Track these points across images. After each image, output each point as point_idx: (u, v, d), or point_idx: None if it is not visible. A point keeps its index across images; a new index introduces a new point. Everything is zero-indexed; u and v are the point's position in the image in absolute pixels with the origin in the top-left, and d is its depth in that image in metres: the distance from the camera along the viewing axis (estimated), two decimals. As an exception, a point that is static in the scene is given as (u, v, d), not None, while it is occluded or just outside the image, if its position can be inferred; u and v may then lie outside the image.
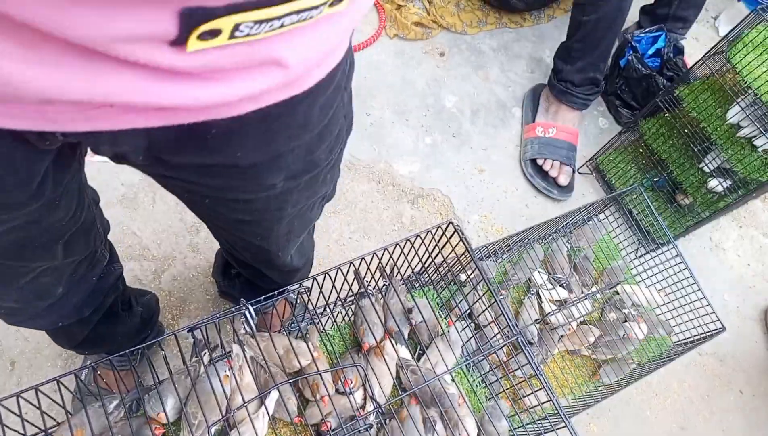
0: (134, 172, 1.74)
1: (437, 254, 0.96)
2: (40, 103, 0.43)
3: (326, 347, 0.97)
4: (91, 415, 0.81)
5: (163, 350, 0.81)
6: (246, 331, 0.84)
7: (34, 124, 0.46)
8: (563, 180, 1.91)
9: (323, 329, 0.90)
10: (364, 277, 0.96)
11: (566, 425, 0.85)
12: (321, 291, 0.89)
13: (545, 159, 1.93)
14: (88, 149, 0.59)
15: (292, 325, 1.03)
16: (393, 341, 0.95)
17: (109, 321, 1.06)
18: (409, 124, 1.96)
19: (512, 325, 0.89)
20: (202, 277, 1.60)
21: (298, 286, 0.85)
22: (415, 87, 2.02)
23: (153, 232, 1.63)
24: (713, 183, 1.73)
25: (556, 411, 0.88)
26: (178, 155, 0.57)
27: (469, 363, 0.99)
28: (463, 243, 0.94)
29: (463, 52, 2.13)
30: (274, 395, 0.88)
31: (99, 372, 1.22)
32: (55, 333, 1.04)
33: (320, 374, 0.82)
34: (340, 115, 0.66)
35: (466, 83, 2.07)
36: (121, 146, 0.55)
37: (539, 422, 0.91)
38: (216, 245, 1.54)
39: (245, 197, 0.66)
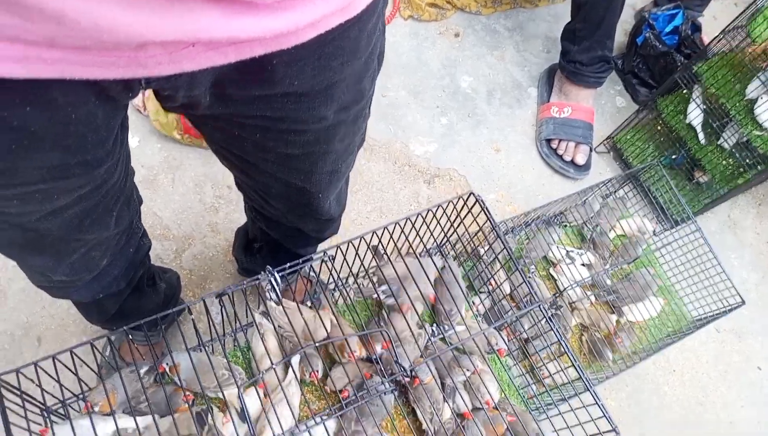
0: (154, 154, 1.76)
1: (459, 224, 0.97)
2: (132, 49, 0.46)
3: (352, 317, 0.98)
4: (124, 379, 0.83)
5: (179, 324, 0.82)
6: (271, 298, 0.86)
7: (125, 72, 0.48)
8: (580, 159, 1.91)
9: (348, 297, 0.92)
10: (386, 248, 0.97)
11: (589, 390, 0.86)
12: (345, 259, 0.91)
13: (560, 141, 1.92)
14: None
15: (315, 296, 1.04)
16: (415, 307, 0.96)
17: (136, 296, 1.08)
18: (424, 104, 1.96)
19: (533, 292, 0.89)
20: (221, 256, 1.62)
21: (322, 254, 0.87)
22: (430, 68, 2.02)
23: (173, 212, 1.65)
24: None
25: (578, 377, 0.89)
26: (241, 89, 0.61)
27: (491, 331, 1.00)
28: (485, 214, 0.94)
29: (477, 32, 2.12)
30: (297, 360, 0.90)
31: (120, 347, 1.25)
32: (89, 307, 1.06)
33: (346, 339, 0.84)
34: (379, 43, 0.70)
35: (482, 63, 2.07)
36: (197, 87, 0.58)
37: (562, 387, 0.92)
38: (235, 224, 1.56)
39: (298, 128, 0.69)
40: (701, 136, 1.77)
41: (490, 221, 0.94)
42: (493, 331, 0.99)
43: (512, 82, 2.06)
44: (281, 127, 0.69)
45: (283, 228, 1.05)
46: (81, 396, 0.83)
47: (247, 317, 0.95)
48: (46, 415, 0.79)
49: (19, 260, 0.78)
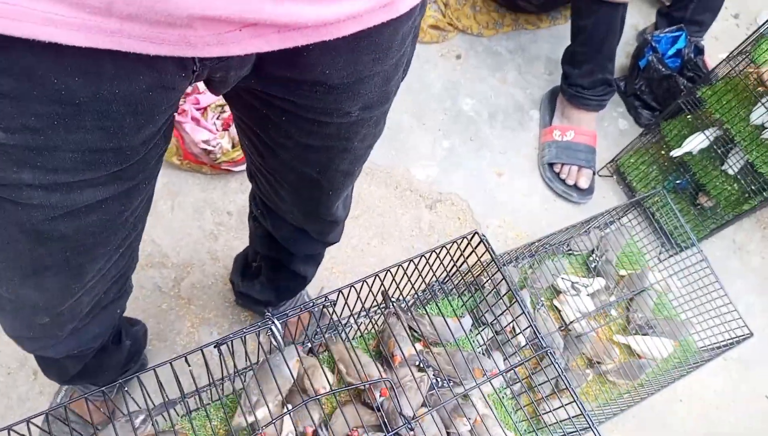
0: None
1: (462, 263, 0.95)
2: (182, 27, 0.48)
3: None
4: (118, 429, 0.80)
5: (144, 387, 0.79)
6: (273, 345, 0.84)
7: (175, 50, 0.50)
8: (583, 183, 1.89)
9: (347, 338, 0.90)
10: (389, 288, 0.95)
11: (591, 428, 0.83)
12: (346, 303, 0.88)
13: (563, 165, 1.91)
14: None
15: (316, 336, 1.02)
16: (420, 358, 0.94)
17: (99, 354, 1.04)
18: (426, 127, 1.94)
19: (540, 337, 0.87)
20: (221, 284, 1.60)
21: (323, 299, 0.84)
22: (432, 90, 2.01)
23: (172, 239, 1.63)
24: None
25: (580, 413, 0.87)
26: (275, 68, 0.63)
27: (491, 377, 0.97)
28: (489, 253, 0.92)
29: (479, 54, 2.11)
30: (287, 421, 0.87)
31: (74, 406, 1.21)
32: (49, 365, 1.04)
33: (348, 389, 0.82)
34: (409, 50, 0.72)
35: (484, 86, 2.06)
36: (243, 68, 0.61)
37: (563, 422, 0.90)
38: (235, 252, 1.54)
39: (321, 119, 0.71)
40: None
41: (494, 262, 0.92)
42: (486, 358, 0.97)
43: (514, 104, 2.05)
44: (306, 115, 0.70)
45: (287, 228, 1.04)
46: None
47: (233, 366, 0.93)
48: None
49: (18, 287, 0.72)
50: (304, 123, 0.72)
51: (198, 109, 1.66)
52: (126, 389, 0.78)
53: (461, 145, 1.94)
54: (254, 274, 1.35)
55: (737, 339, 1.41)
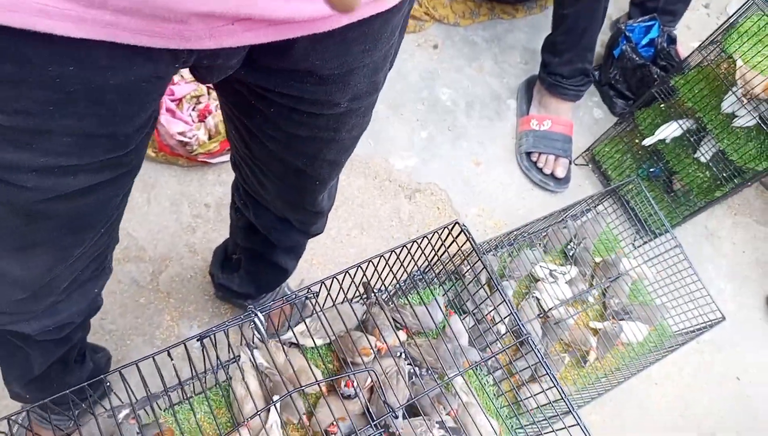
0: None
1: (443, 252, 0.95)
2: (177, 22, 0.49)
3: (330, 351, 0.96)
4: (101, 423, 0.80)
5: (126, 381, 0.79)
6: (256, 336, 0.83)
7: (169, 43, 0.51)
8: (560, 172, 1.91)
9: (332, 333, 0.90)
10: (371, 279, 0.95)
11: (571, 412, 0.85)
12: (329, 294, 0.89)
13: (540, 154, 1.93)
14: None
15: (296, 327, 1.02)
16: (404, 348, 0.94)
17: (62, 367, 1.04)
18: (404, 118, 1.94)
19: (521, 325, 0.88)
20: (200, 277, 1.58)
21: (306, 290, 0.84)
22: (409, 80, 2.01)
23: (149, 232, 1.61)
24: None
25: (559, 398, 0.88)
26: (266, 59, 0.63)
27: (476, 364, 0.98)
28: (470, 243, 0.93)
29: (456, 44, 2.11)
30: (273, 413, 0.87)
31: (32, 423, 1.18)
32: (15, 359, 1.01)
33: (332, 380, 0.82)
34: (397, 42, 0.72)
35: (461, 76, 2.06)
36: (235, 57, 0.62)
37: (544, 407, 0.91)
38: (213, 244, 1.53)
39: (311, 111, 0.71)
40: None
41: (475, 252, 0.92)
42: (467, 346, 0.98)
43: (491, 94, 2.06)
44: (295, 106, 0.71)
45: (270, 217, 1.04)
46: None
47: (218, 358, 0.93)
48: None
49: (3, 263, 0.72)
50: (293, 114, 0.72)
51: (173, 101, 1.64)
52: (108, 384, 0.77)
53: (439, 135, 1.95)
54: (234, 266, 1.35)
55: (710, 323, 1.45)
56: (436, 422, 0.83)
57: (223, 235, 1.56)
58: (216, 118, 1.68)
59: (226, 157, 1.72)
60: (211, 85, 0.79)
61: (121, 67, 0.53)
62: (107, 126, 0.58)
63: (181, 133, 1.60)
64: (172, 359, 0.78)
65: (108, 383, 0.78)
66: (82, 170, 0.61)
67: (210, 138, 1.68)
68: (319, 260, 1.69)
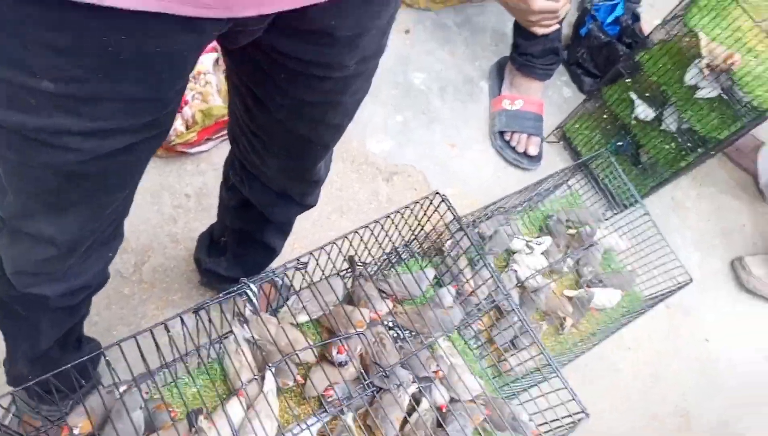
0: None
1: (426, 222, 0.99)
2: None
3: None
4: (104, 399, 0.82)
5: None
6: (248, 309, 0.87)
7: (214, 13, 0.55)
8: (532, 150, 1.97)
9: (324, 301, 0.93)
10: (357, 251, 0.99)
11: (558, 376, 0.90)
12: (317, 265, 0.92)
13: (512, 133, 1.98)
14: None
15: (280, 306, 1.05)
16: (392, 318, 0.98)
17: (61, 351, 1.08)
18: (379, 102, 1.98)
19: (501, 287, 0.93)
20: (183, 266, 1.60)
21: (295, 261, 0.88)
22: (384, 65, 2.01)
23: (130, 224, 1.60)
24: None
25: (547, 363, 0.93)
26: (287, 20, 0.65)
27: (459, 327, 1.03)
28: (451, 212, 0.97)
29: (427, 28, 2.15)
30: (269, 376, 0.90)
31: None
32: (22, 334, 1.04)
33: (326, 344, 0.86)
34: (394, 12, 0.75)
35: (433, 60, 2.10)
36: (265, 22, 0.65)
37: (530, 374, 0.96)
38: (195, 233, 1.54)
39: (320, 74, 0.74)
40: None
41: (455, 219, 0.97)
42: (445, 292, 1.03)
43: (463, 77, 2.10)
44: (305, 70, 0.73)
45: (266, 193, 1.06)
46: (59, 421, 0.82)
47: (209, 332, 0.96)
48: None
49: (39, 223, 0.76)
50: (303, 78, 0.75)
51: (150, 91, 1.65)
52: (107, 357, 0.80)
53: (413, 119, 1.99)
54: (221, 250, 1.37)
55: (679, 285, 1.52)
56: (422, 377, 0.88)
57: (204, 224, 1.57)
58: (193, 109, 1.70)
59: (204, 147, 1.73)
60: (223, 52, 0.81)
61: (169, 37, 0.57)
62: (152, 91, 0.62)
63: (159, 123, 1.61)
64: (169, 331, 0.80)
65: (106, 358, 0.80)
66: (123, 132, 0.64)
67: (187, 128, 1.69)
68: (300, 244, 1.72)
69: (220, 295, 0.81)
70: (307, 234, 1.73)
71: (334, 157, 1.83)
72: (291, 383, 0.85)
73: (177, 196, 1.67)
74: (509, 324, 1.31)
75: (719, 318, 1.94)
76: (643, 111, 1.85)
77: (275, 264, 1.59)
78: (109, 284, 1.53)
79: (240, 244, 1.31)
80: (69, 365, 0.76)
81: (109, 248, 0.93)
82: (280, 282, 1.43)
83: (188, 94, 1.70)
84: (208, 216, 1.66)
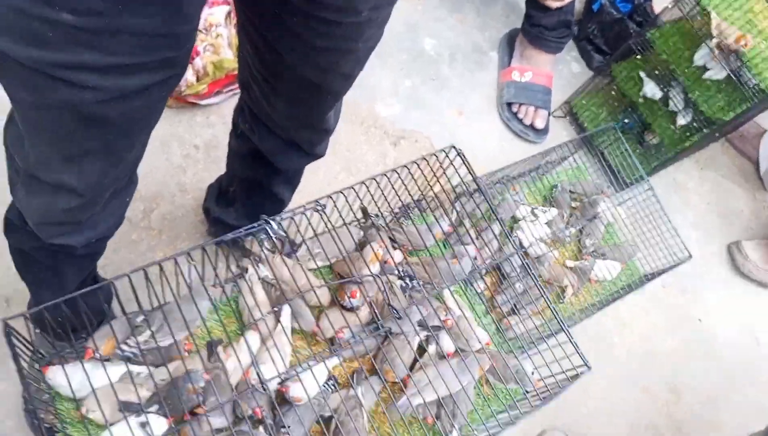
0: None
1: (441, 175, 1.01)
2: None
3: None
4: (117, 327, 0.84)
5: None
6: (267, 247, 0.88)
7: None
8: (539, 123, 1.98)
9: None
10: (369, 204, 1.00)
11: (564, 330, 0.92)
12: (335, 207, 0.93)
13: (520, 105, 1.98)
14: None
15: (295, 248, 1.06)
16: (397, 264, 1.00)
17: (81, 288, 1.07)
18: (388, 66, 1.97)
19: (513, 243, 0.95)
20: (191, 215, 1.61)
21: (314, 203, 0.89)
22: (393, 30, 2.03)
23: (139, 171, 1.61)
24: (681, 120, 1.83)
25: (551, 319, 0.95)
26: None
27: (467, 281, 1.05)
28: (466, 166, 0.99)
29: (440, -5, 2.14)
30: (287, 310, 0.92)
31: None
32: (45, 282, 1.05)
33: (341, 283, 0.87)
34: None
35: (443, 26, 2.10)
36: None
37: (540, 328, 0.98)
38: (204, 184, 1.55)
39: (333, 19, 0.74)
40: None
41: (471, 174, 0.98)
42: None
43: (473, 45, 2.10)
44: (318, 15, 0.73)
45: (276, 141, 1.06)
46: (77, 344, 0.83)
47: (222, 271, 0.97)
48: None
49: (59, 171, 0.76)
50: (315, 23, 0.75)
51: (162, 40, 1.64)
52: (132, 285, 0.81)
53: (422, 85, 1.99)
54: (230, 200, 1.37)
55: (679, 262, 1.54)
56: (433, 326, 0.90)
57: (213, 175, 1.58)
58: (204, 60, 1.69)
59: (215, 100, 1.73)
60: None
61: None
62: (169, 26, 0.62)
63: (170, 73, 1.60)
64: (193, 261, 0.81)
65: (131, 284, 0.81)
66: (140, 70, 0.64)
67: (198, 79, 1.68)
68: (308, 201, 1.73)
69: (241, 230, 0.82)
70: (315, 193, 1.71)
71: (343, 118, 1.84)
72: (306, 328, 0.87)
73: (186, 147, 1.67)
74: (510, 285, 1.33)
75: (713, 299, 1.98)
76: (651, 89, 1.87)
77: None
78: (118, 229, 1.56)
79: (249, 193, 1.31)
80: (95, 286, 0.77)
81: (127, 193, 0.94)
82: (284, 233, 1.45)
83: (200, 46, 1.70)
84: (217, 168, 1.67)
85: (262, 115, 1.02)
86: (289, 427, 0.85)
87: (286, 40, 0.80)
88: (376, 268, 0.98)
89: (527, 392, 0.93)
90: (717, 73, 1.72)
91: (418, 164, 0.97)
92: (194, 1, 0.63)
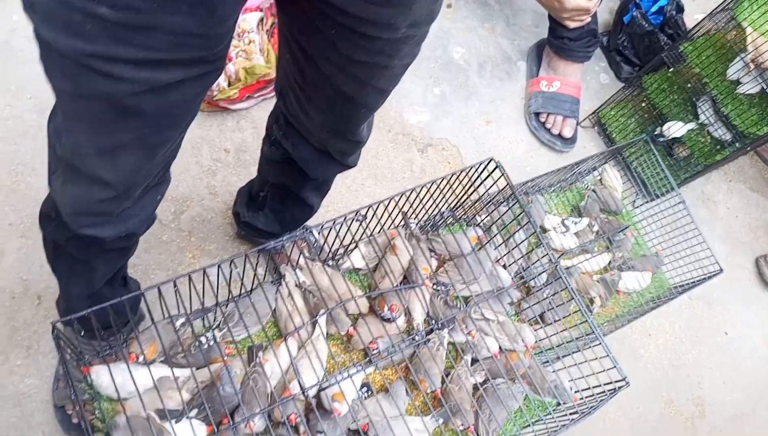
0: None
1: (480, 185, 1.01)
2: None
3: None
4: (160, 330, 0.85)
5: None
6: (304, 256, 0.89)
7: None
8: (567, 132, 1.97)
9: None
10: (412, 206, 1.00)
11: (601, 343, 0.92)
12: (374, 216, 0.94)
13: (548, 114, 1.98)
14: None
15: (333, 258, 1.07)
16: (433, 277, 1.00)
17: (110, 289, 1.10)
18: (418, 74, 1.98)
19: (551, 255, 0.95)
20: (220, 218, 1.62)
21: (355, 213, 0.89)
22: (423, 38, 2.03)
23: (171, 173, 1.64)
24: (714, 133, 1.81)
25: (584, 334, 0.95)
26: None
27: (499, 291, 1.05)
28: (505, 178, 0.99)
29: (469, 4, 2.15)
30: (324, 317, 0.93)
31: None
32: (75, 275, 1.06)
33: (379, 294, 0.88)
34: None
35: (473, 36, 2.10)
36: None
37: (577, 340, 0.98)
38: (233, 188, 1.56)
39: (372, 34, 0.75)
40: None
41: (509, 187, 0.98)
42: (524, 326, 1.04)
43: (502, 55, 2.10)
44: (357, 29, 0.74)
45: (308, 149, 1.07)
46: (120, 346, 0.84)
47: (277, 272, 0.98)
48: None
49: (94, 163, 0.77)
50: (353, 36, 0.75)
51: (197, 45, 1.66)
52: (176, 288, 0.82)
53: (452, 93, 1.99)
54: (260, 205, 1.39)
55: (709, 275, 1.53)
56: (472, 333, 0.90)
57: (242, 179, 1.59)
58: (237, 66, 1.71)
59: (246, 105, 1.75)
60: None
61: None
62: (204, 26, 0.63)
63: (204, 77, 1.62)
64: (236, 267, 0.82)
65: (176, 287, 0.83)
66: (173, 65, 0.66)
67: (230, 84, 1.70)
68: (335, 208, 1.74)
69: (283, 237, 0.83)
70: (341, 199, 1.75)
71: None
72: (343, 333, 0.88)
73: (216, 150, 1.69)
74: (538, 300, 1.33)
75: (740, 312, 1.96)
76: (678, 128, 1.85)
77: (311, 222, 1.62)
78: (149, 229, 1.58)
79: (279, 199, 1.32)
80: (124, 297, 0.78)
81: (158, 190, 0.95)
82: (313, 239, 1.46)
83: (232, 51, 1.71)
84: (246, 172, 1.68)
85: (296, 122, 1.03)
86: (323, 434, 0.86)
87: (324, 51, 0.81)
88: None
89: (562, 403, 0.92)
90: (751, 87, 1.71)
91: (457, 176, 0.97)
92: (229, 3, 0.64)
